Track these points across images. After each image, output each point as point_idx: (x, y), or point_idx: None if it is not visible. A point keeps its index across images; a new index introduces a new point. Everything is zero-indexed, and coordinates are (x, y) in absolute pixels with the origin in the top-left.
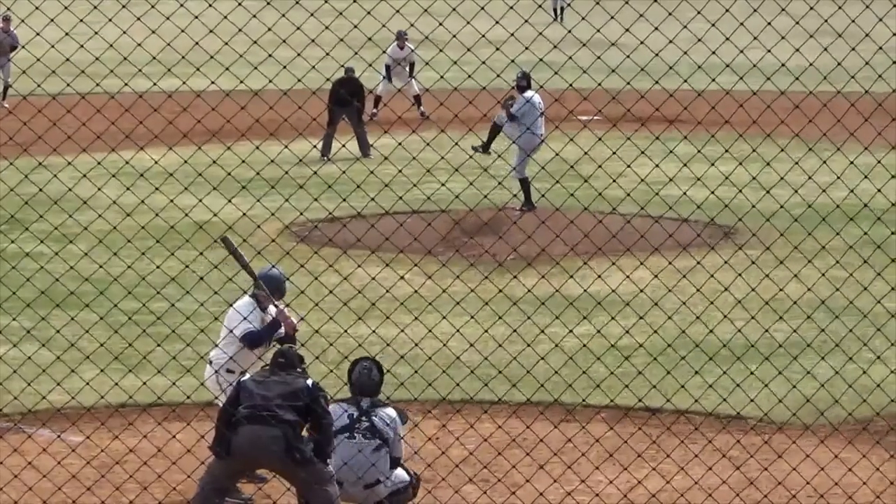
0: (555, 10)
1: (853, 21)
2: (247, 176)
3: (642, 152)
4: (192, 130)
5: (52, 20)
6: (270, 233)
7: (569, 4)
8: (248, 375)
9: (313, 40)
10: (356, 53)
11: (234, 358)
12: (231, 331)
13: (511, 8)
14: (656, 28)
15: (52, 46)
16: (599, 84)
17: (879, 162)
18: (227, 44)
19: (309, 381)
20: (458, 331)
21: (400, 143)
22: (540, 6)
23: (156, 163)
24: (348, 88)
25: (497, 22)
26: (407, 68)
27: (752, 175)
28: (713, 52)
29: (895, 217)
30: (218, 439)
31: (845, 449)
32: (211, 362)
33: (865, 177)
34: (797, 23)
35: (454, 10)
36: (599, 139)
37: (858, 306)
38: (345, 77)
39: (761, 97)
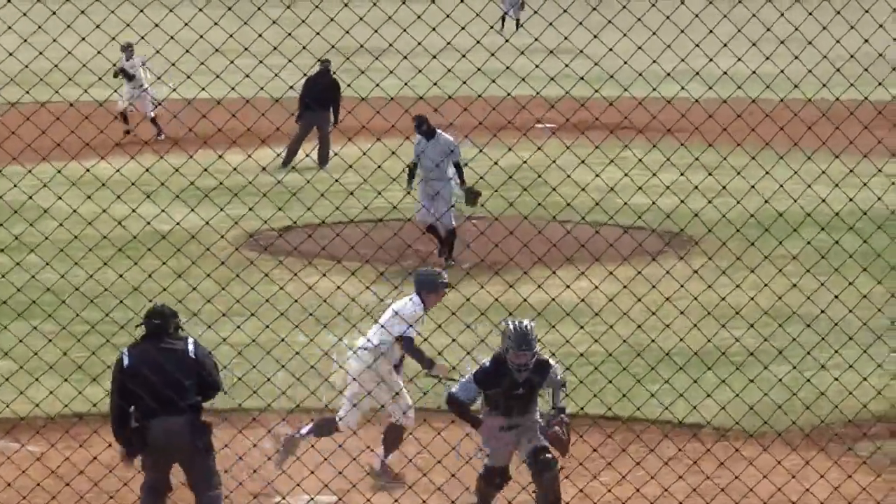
0: (502, 19)
1: (797, 28)
2: (209, 185)
3: (582, 161)
4: (154, 139)
5: (10, 27)
6: (233, 242)
7: (517, 20)
8: (126, 352)
9: (275, 48)
10: (319, 60)
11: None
12: (382, 325)
13: (478, 15)
14: (595, 36)
15: (11, 54)
16: (538, 93)
17: (823, 172)
18: (188, 51)
19: (191, 345)
20: (425, 340)
21: (365, 153)
22: (507, 15)
23: (117, 171)
24: (323, 85)
25: (463, 28)
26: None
27: (693, 184)
28: (654, 61)
29: (839, 225)
30: (126, 438)
31: (789, 456)
32: (356, 352)
33: (809, 186)
34: (739, 30)
35: (419, 17)
36: (539, 148)
37: (802, 315)
38: (319, 72)
39: (704, 106)
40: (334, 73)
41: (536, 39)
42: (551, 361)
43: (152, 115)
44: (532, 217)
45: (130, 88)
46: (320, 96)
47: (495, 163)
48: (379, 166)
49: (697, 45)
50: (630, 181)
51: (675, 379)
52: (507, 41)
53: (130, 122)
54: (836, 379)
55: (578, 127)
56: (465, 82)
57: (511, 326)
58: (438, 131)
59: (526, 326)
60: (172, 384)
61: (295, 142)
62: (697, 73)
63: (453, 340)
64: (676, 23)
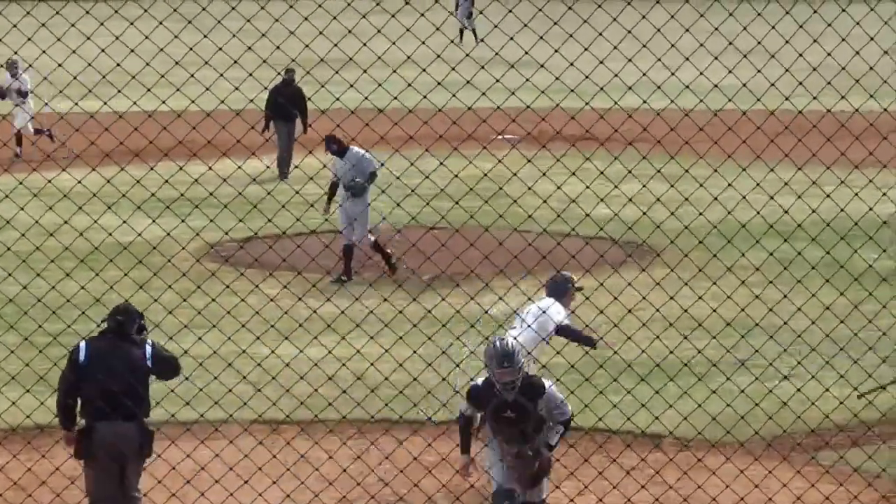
0: (461, 31)
1: (759, 42)
2: (170, 196)
3: (544, 173)
4: (114, 151)
5: None
6: (194, 253)
7: (473, 30)
8: (83, 347)
9: (236, 61)
10: (279, 74)
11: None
12: (529, 325)
13: (438, 29)
14: (556, 51)
15: None
16: (499, 107)
17: (786, 183)
18: (148, 64)
19: (149, 350)
20: (358, 350)
21: (325, 165)
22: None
23: (79, 182)
24: (285, 96)
25: (428, 42)
26: (28, 100)
27: (656, 196)
28: (615, 75)
29: (802, 236)
30: (75, 440)
31: (752, 466)
32: None
33: (772, 198)
34: (702, 44)
35: (379, 31)
36: (500, 161)
37: (764, 326)
38: (283, 82)
39: (666, 118)
40: (297, 82)
41: (497, 53)
42: (548, 385)
43: (31, 128)
44: (493, 228)
45: (22, 105)
46: (284, 107)
47: (455, 175)
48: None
49: (659, 59)
50: (592, 193)
51: (637, 390)
52: (467, 55)
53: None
54: (799, 389)
55: (539, 139)
56: (425, 96)
57: (493, 344)
58: (351, 147)
59: (508, 344)
60: (125, 388)
61: (280, 150)
62: (659, 87)
63: (414, 352)
64: (638, 36)
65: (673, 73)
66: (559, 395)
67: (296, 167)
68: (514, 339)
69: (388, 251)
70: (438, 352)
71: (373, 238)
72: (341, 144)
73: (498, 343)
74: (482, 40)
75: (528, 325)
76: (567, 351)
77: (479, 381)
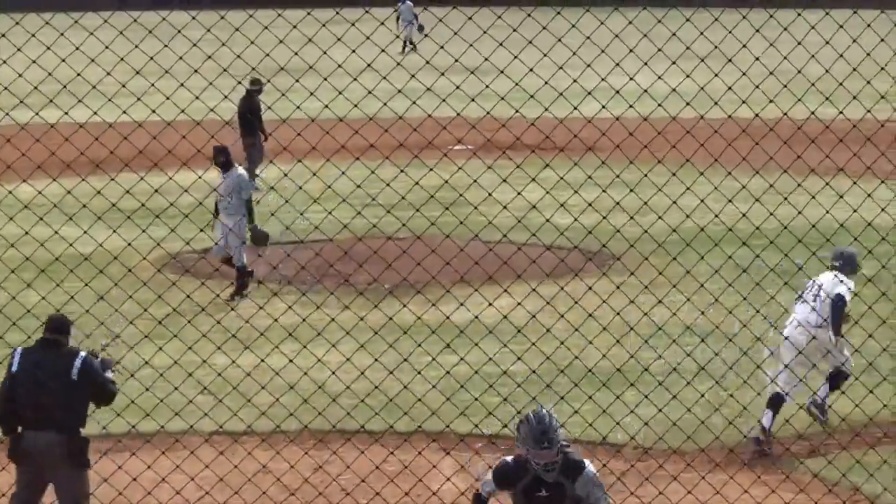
0: (404, 43)
1: (716, 47)
2: (130, 206)
3: (504, 180)
4: (75, 161)
5: None
6: (154, 263)
7: (424, 37)
8: (17, 355)
9: (196, 70)
10: (239, 83)
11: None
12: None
13: (398, 37)
14: (516, 56)
15: None
16: (459, 114)
17: (744, 187)
18: (109, 73)
19: (77, 362)
20: (319, 359)
21: (286, 174)
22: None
23: (39, 193)
24: (245, 107)
25: (383, 50)
26: None
27: (615, 201)
28: (574, 80)
29: (760, 242)
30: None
31: (713, 472)
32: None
33: (730, 201)
34: (659, 49)
35: (339, 39)
36: (460, 168)
37: (724, 330)
38: (245, 93)
39: (624, 123)
40: (250, 91)
41: (457, 60)
42: (587, 463)
43: None
44: (453, 236)
45: None
46: (246, 122)
47: (416, 182)
48: (300, 187)
49: (618, 64)
50: (551, 199)
51: (598, 396)
52: (427, 62)
53: None
54: (759, 394)
55: (499, 146)
56: (385, 104)
57: (528, 420)
58: (235, 165)
59: (546, 419)
60: (52, 399)
61: (252, 163)
62: (618, 92)
63: (376, 360)
64: (596, 42)
65: (631, 78)
66: (594, 472)
67: (257, 175)
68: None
69: (246, 282)
70: (399, 360)
71: (244, 261)
72: (229, 159)
73: (534, 418)
74: (414, 46)
75: (819, 299)
76: (527, 357)
77: (509, 458)
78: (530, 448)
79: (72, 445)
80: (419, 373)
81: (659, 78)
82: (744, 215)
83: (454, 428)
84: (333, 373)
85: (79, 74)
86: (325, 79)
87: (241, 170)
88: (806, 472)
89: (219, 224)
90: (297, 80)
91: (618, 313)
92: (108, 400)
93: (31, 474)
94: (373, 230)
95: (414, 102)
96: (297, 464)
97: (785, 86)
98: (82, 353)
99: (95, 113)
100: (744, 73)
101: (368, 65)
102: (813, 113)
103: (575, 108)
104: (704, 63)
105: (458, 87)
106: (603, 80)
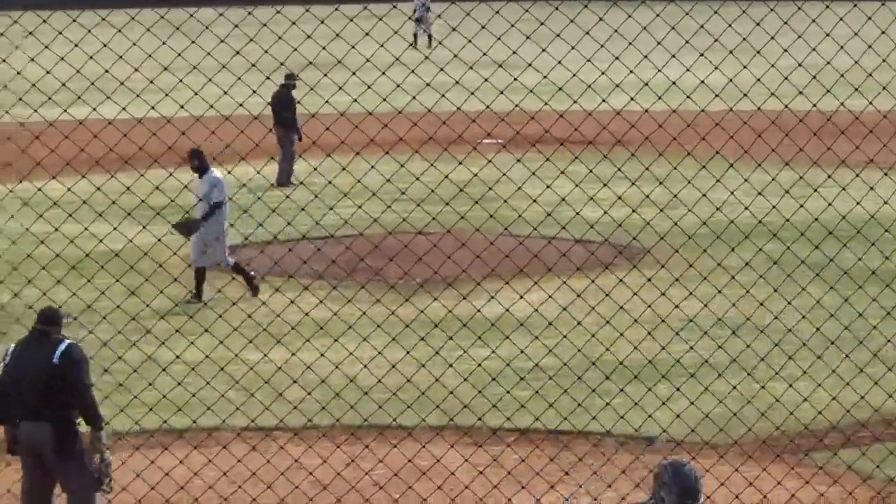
0: (414, 36)
1: (744, 39)
2: (159, 203)
3: (533, 173)
4: (104, 158)
5: None
6: (184, 258)
7: (430, 34)
8: (10, 349)
9: (224, 66)
10: (268, 78)
11: None
12: None
13: (425, 31)
14: (544, 50)
15: None
16: (488, 106)
17: (773, 179)
18: (137, 70)
19: (60, 349)
20: (351, 353)
21: (315, 169)
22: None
23: (69, 190)
24: (276, 102)
25: (418, 45)
26: None
27: (645, 194)
28: (602, 73)
29: (790, 234)
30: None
31: (746, 464)
32: None
33: (759, 193)
34: (687, 41)
35: (367, 34)
36: (489, 161)
37: (756, 323)
38: (277, 89)
39: (654, 116)
40: (285, 86)
41: (485, 54)
42: None
43: None
44: (483, 229)
45: None
46: (279, 117)
47: (445, 176)
48: (330, 182)
49: (646, 57)
50: (580, 193)
51: (629, 389)
52: (455, 56)
53: None
54: (791, 385)
55: (528, 140)
56: (414, 97)
57: (671, 472)
58: (210, 169)
59: (690, 472)
60: (34, 387)
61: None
62: (646, 84)
63: (407, 353)
64: (624, 34)
65: (659, 70)
66: None
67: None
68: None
69: (251, 272)
70: (430, 354)
71: (232, 260)
72: (203, 163)
73: (678, 470)
74: (436, 41)
75: None
76: (558, 351)
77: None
78: (675, 500)
79: (58, 435)
80: (451, 366)
81: (687, 70)
82: (774, 207)
83: (486, 422)
84: (365, 366)
85: (107, 71)
86: (354, 73)
87: (216, 172)
88: (840, 464)
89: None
90: (325, 75)
91: (649, 305)
92: (84, 402)
93: (31, 465)
94: (402, 224)
95: (443, 95)
96: (329, 458)
97: (814, 77)
98: (67, 341)
99: (124, 109)
100: (772, 66)
101: (397, 59)
102: (842, 104)
103: (603, 101)
104: (733, 55)
105: (486, 80)
106: (631, 72)
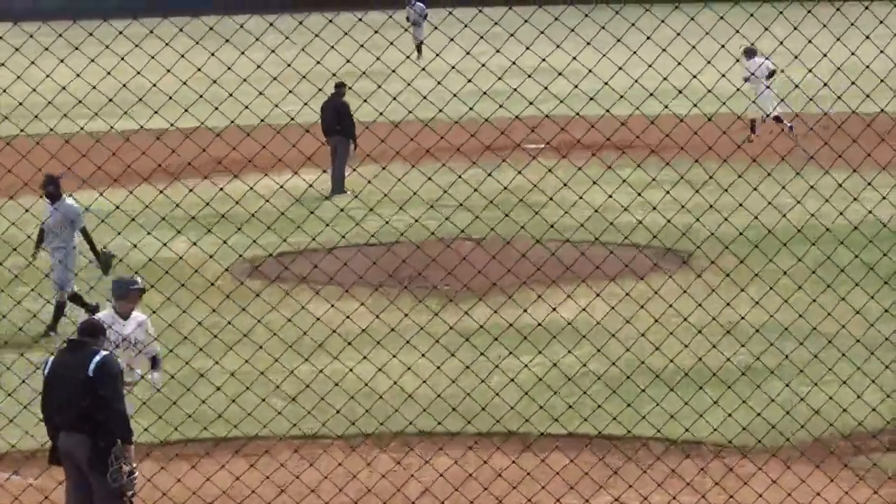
0: (417, 48)
1: (781, 43)
2: (207, 214)
3: (565, 184)
4: (152, 172)
5: (2, 64)
6: (218, 270)
7: (422, 42)
8: (48, 361)
9: (275, 78)
10: (320, 90)
11: None
12: None
13: (451, 40)
14: (574, 58)
15: (4, 90)
16: (517, 116)
17: (812, 187)
18: (185, 83)
19: (94, 361)
20: (408, 368)
21: (369, 182)
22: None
23: (117, 208)
24: (332, 107)
25: (437, 54)
26: None
27: (680, 203)
28: (636, 81)
29: (858, 239)
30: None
31: (812, 473)
32: None
33: (798, 202)
34: (723, 46)
35: (422, 42)
36: (519, 172)
37: (821, 330)
38: (331, 94)
39: (689, 123)
40: (336, 95)
41: (514, 63)
42: None
43: None
44: (515, 239)
45: None
46: (328, 119)
47: (475, 190)
48: (356, 196)
49: (680, 63)
50: (615, 201)
51: (668, 399)
52: (513, 63)
53: None
54: (831, 397)
55: (560, 149)
56: (441, 110)
57: None
58: (64, 197)
59: None
60: (69, 398)
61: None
62: (681, 92)
63: (437, 368)
64: (657, 41)
65: (695, 76)
66: None
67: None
68: None
69: (87, 303)
70: (462, 366)
71: (69, 290)
72: (58, 189)
73: None
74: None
75: None
76: (595, 361)
77: None
78: None
79: (95, 448)
80: (498, 366)
81: (723, 76)
82: (812, 215)
83: (535, 425)
84: (409, 368)
85: (154, 85)
86: (409, 84)
87: (69, 200)
88: (881, 471)
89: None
90: (379, 86)
91: (685, 319)
92: (113, 415)
93: (74, 478)
94: (442, 228)
95: (501, 106)
96: (374, 463)
97: (853, 83)
98: (103, 352)
99: (172, 125)
100: (809, 70)
101: (452, 67)
102: (883, 110)
103: (636, 108)
104: (769, 60)
105: (545, 88)
106: (664, 79)
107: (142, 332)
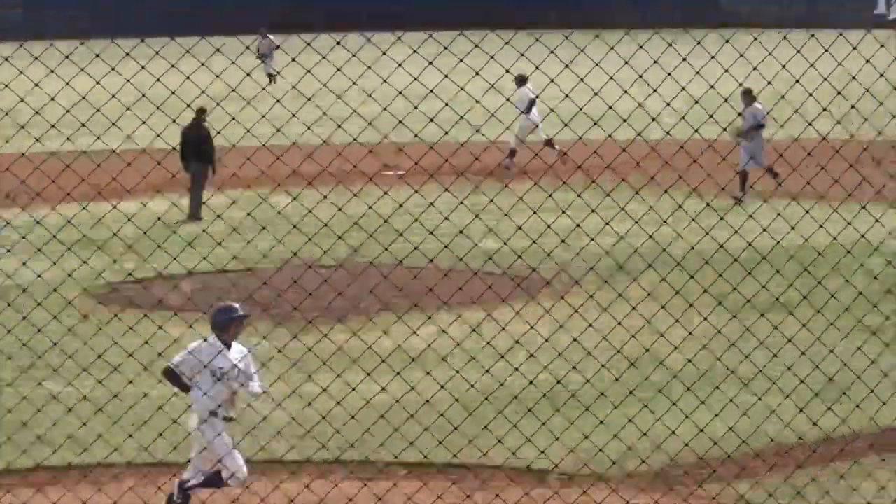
0: (269, 77)
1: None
2: (70, 238)
3: (431, 204)
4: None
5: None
6: (76, 291)
7: (278, 73)
8: None
9: (129, 108)
10: (173, 121)
11: None
12: None
13: (339, 69)
14: (446, 76)
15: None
16: (385, 136)
17: (680, 206)
18: (73, 109)
19: None
20: (265, 391)
21: (205, 202)
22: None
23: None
24: (185, 136)
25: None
26: None
27: (547, 224)
28: (507, 100)
29: (695, 262)
30: None
31: (639, 497)
32: None
33: (665, 222)
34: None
35: (332, 61)
36: (385, 192)
37: (653, 353)
38: (191, 123)
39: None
40: (198, 118)
41: (385, 81)
42: None
43: None
44: (377, 263)
45: None
46: (188, 145)
47: (339, 209)
48: (219, 216)
49: (554, 80)
50: (481, 223)
51: (524, 423)
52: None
53: None
54: (688, 416)
55: (427, 171)
56: (309, 127)
57: None
58: None
59: None
60: None
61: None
62: (552, 111)
63: (294, 391)
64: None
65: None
66: None
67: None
68: None
69: None
70: (317, 389)
71: None
72: None
73: None
74: (278, 74)
75: None
76: (450, 385)
77: None
78: None
79: None
80: (338, 403)
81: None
82: (679, 235)
83: (390, 449)
84: (266, 392)
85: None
86: (279, 100)
87: None
88: (733, 495)
89: None
90: (233, 116)
91: (546, 340)
92: None
93: None
94: (315, 252)
95: (339, 126)
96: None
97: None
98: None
99: (38, 140)
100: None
101: (333, 85)
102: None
103: (507, 128)
104: (614, 80)
105: (416, 108)
106: (537, 96)
107: (244, 365)
